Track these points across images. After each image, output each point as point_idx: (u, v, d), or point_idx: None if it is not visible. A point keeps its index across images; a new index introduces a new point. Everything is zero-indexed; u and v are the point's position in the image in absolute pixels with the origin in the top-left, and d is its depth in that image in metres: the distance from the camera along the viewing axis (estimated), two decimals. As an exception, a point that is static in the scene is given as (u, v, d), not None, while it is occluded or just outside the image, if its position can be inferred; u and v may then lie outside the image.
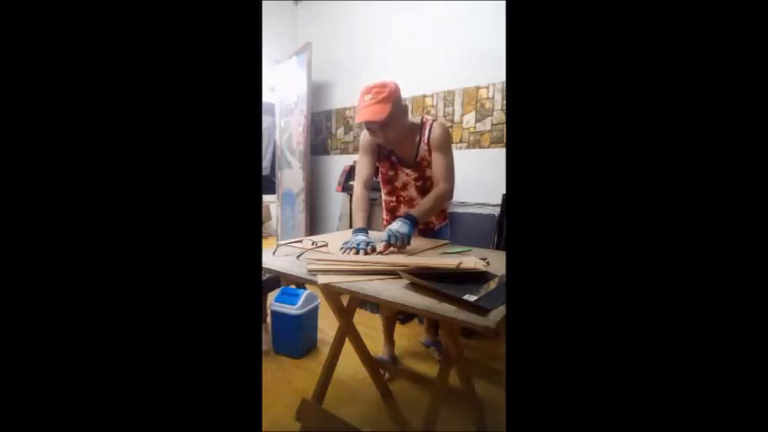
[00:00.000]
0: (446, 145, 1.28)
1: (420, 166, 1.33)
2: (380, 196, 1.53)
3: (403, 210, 1.43)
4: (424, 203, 1.23)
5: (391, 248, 1.05)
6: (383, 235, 1.07)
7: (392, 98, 1.18)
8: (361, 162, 1.37)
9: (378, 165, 1.41)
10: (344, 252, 1.03)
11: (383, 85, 1.19)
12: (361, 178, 1.35)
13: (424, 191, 1.38)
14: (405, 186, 1.40)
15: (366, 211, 1.28)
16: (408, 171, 1.36)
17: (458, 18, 2.36)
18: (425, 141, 1.30)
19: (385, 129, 1.21)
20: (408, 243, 1.09)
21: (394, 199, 1.45)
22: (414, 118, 1.33)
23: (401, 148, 1.33)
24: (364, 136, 1.35)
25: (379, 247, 1.05)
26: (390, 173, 1.40)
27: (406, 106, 1.28)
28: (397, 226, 1.08)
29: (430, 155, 1.30)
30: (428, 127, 1.30)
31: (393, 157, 1.36)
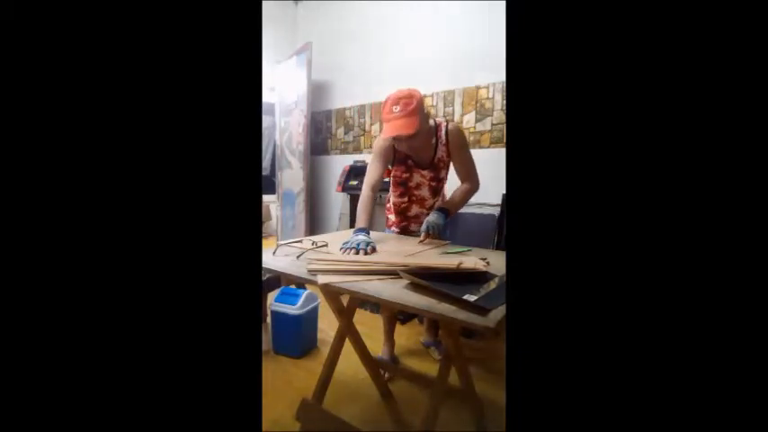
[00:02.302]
0: (466, 146, 1.39)
1: (436, 168, 1.39)
2: (381, 196, 1.54)
3: (414, 209, 1.47)
4: (454, 199, 1.35)
5: (429, 238, 1.21)
6: (422, 226, 1.23)
7: (419, 109, 1.21)
8: (373, 165, 1.38)
9: (391, 168, 1.43)
10: (344, 252, 1.03)
11: (410, 96, 1.20)
12: (370, 181, 1.36)
13: (435, 191, 1.43)
14: (418, 186, 1.43)
15: (371, 213, 1.29)
16: (424, 172, 1.39)
17: (458, 18, 2.36)
18: (443, 143, 1.35)
19: (411, 139, 1.25)
20: (443, 233, 1.25)
21: (406, 200, 1.47)
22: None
23: (419, 152, 1.36)
24: (381, 143, 1.37)
25: (421, 237, 1.21)
26: (405, 175, 1.42)
27: (428, 113, 1.31)
28: (434, 218, 1.23)
29: (447, 156, 1.37)
30: (443, 129, 1.34)
31: (409, 161, 1.39)
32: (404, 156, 1.38)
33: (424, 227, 1.22)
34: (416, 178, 1.41)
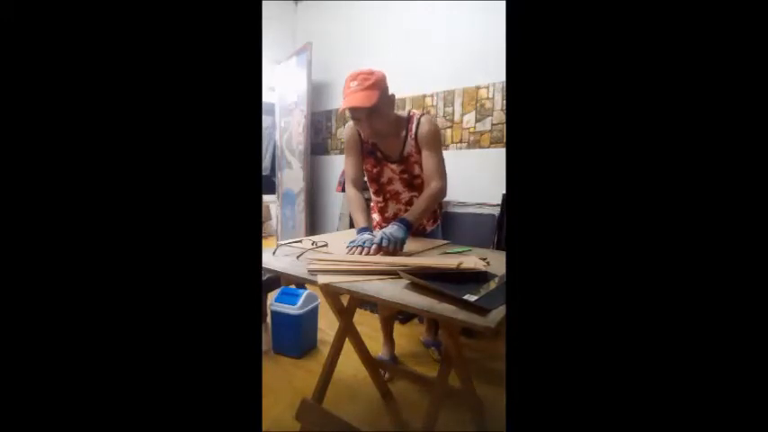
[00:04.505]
0: (435, 141, 1.23)
1: (407, 162, 1.29)
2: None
3: (391, 207, 1.40)
4: (416, 206, 1.18)
5: (382, 252, 1.00)
6: (376, 237, 1.02)
7: (379, 86, 1.14)
8: (347, 162, 1.33)
9: (363, 163, 1.36)
10: (350, 250, 1.01)
11: (370, 72, 1.14)
12: (350, 178, 1.32)
13: (410, 185, 1.34)
14: (390, 181, 1.35)
15: (365, 210, 1.26)
16: (393, 166, 1.32)
17: (458, 18, 2.37)
18: (412, 136, 1.25)
19: (371, 118, 1.16)
20: (401, 248, 1.05)
21: (381, 198, 1.41)
22: (400, 111, 1.29)
23: (386, 143, 1.29)
24: (347, 134, 1.32)
25: (372, 249, 0.99)
26: (376, 169, 1.35)
27: (393, 96, 1.22)
28: (392, 230, 1.04)
29: (417, 151, 1.26)
30: (415, 121, 1.24)
31: (378, 153, 1.32)
32: (371, 147, 1.31)
33: (377, 239, 1.00)
34: (387, 173, 1.34)
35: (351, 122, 1.28)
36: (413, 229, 1.13)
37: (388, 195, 1.39)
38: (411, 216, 1.13)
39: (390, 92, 1.21)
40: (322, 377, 1.26)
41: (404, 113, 1.28)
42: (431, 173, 1.22)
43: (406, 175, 1.32)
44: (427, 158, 1.23)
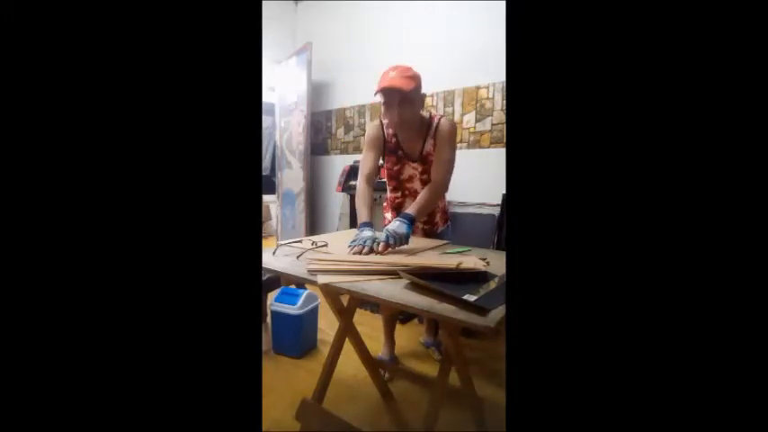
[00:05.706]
0: (450, 140, 1.30)
1: (426, 161, 1.35)
2: (381, 196, 1.52)
3: (408, 205, 1.42)
4: (419, 200, 1.24)
5: (390, 249, 1.04)
6: (381, 235, 1.06)
7: (416, 80, 1.21)
8: (366, 157, 1.37)
9: (383, 160, 1.41)
10: (352, 249, 1.02)
11: (409, 68, 1.22)
12: (364, 173, 1.34)
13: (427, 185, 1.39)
14: (410, 179, 1.40)
15: (370, 206, 1.27)
16: (414, 164, 1.37)
17: (458, 18, 2.37)
18: (432, 135, 1.31)
19: (403, 105, 1.21)
20: (407, 243, 1.10)
21: (399, 194, 1.45)
22: (422, 112, 1.35)
23: (408, 142, 1.34)
24: (371, 131, 1.36)
25: (379, 247, 1.03)
26: (396, 167, 1.40)
27: (425, 95, 1.29)
28: (395, 226, 1.08)
29: (435, 150, 1.32)
30: (435, 121, 1.32)
31: (399, 152, 1.37)
32: (394, 146, 1.36)
33: (383, 236, 1.05)
34: (408, 171, 1.39)
35: (376, 121, 1.36)
36: (416, 223, 1.19)
37: (406, 192, 1.43)
38: (413, 210, 1.18)
39: (423, 91, 1.27)
40: (322, 377, 1.26)
41: (426, 114, 1.34)
42: (436, 166, 1.31)
43: (425, 176, 1.37)
44: (438, 152, 1.30)
